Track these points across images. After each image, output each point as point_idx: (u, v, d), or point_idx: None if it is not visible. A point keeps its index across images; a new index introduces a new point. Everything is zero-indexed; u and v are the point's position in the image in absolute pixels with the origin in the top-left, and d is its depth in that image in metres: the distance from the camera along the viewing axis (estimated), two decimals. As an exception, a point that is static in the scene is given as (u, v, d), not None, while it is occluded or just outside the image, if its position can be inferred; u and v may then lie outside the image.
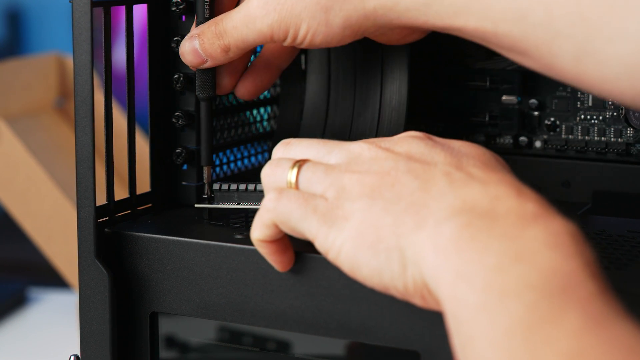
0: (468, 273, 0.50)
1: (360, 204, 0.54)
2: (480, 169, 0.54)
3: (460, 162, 0.55)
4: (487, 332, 0.48)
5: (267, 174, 0.58)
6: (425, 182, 0.54)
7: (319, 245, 0.55)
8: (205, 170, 0.68)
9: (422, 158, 0.55)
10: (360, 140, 0.58)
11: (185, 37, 0.66)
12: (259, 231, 0.57)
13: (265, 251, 0.58)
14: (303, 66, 0.76)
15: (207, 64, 0.65)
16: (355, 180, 0.55)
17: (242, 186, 0.65)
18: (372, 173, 0.55)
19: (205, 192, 0.67)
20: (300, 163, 0.57)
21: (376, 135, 0.71)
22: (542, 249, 0.49)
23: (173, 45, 0.68)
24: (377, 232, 0.53)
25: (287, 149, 0.59)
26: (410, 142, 0.56)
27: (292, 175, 0.57)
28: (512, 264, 0.49)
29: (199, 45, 0.65)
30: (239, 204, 0.65)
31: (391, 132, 0.71)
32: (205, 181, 0.68)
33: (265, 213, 0.57)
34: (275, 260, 0.59)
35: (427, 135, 0.57)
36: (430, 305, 0.53)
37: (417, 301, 0.53)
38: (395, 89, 0.71)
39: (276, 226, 0.57)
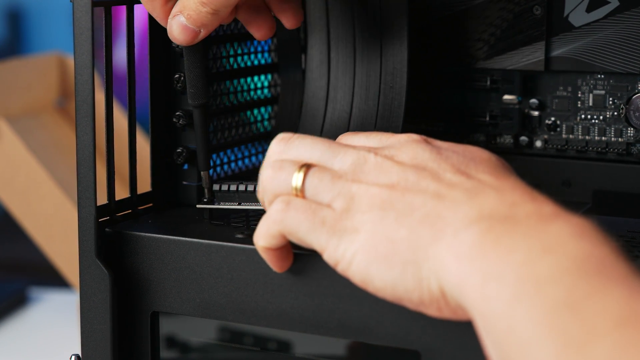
0: (497, 272, 0.49)
1: (371, 216, 0.53)
2: (490, 175, 0.54)
3: (468, 168, 0.54)
4: (529, 317, 0.47)
5: (270, 177, 0.57)
6: (437, 192, 0.53)
7: (328, 257, 0.54)
8: (204, 175, 0.67)
9: (428, 165, 0.54)
10: (363, 139, 0.58)
11: (168, 19, 0.64)
12: (264, 240, 0.57)
13: (268, 257, 0.58)
14: (303, 65, 0.76)
15: (202, 34, 0.64)
16: (364, 190, 0.54)
17: (242, 187, 0.65)
18: (381, 184, 0.54)
19: (206, 196, 0.67)
20: (305, 168, 0.56)
21: (376, 120, 0.71)
22: (570, 239, 0.49)
23: (174, 45, 0.68)
24: (391, 245, 0.52)
25: (287, 147, 0.58)
26: (414, 148, 0.55)
27: (297, 180, 0.56)
28: (542, 255, 0.49)
29: (185, 20, 0.63)
30: (240, 204, 0.65)
31: (392, 118, 0.70)
32: (204, 186, 0.67)
33: (272, 224, 0.56)
34: (276, 264, 0.59)
35: (427, 139, 0.56)
36: (445, 315, 0.52)
37: (432, 312, 0.53)
38: (395, 74, 0.71)
39: (283, 236, 0.56)
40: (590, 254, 0.48)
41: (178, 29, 0.63)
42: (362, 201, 0.54)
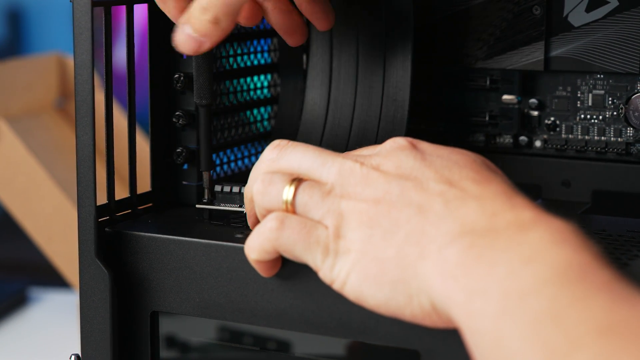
0: (481, 288, 0.50)
1: (359, 234, 0.54)
2: (473, 182, 0.54)
3: (452, 174, 0.54)
4: (514, 330, 0.48)
5: (260, 192, 0.58)
6: (420, 206, 0.53)
7: (323, 275, 0.56)
8: (205, 175, 0.68)
9: (412, 174, 0.55)
10: (351, 154, 0.58)
11: (175, 28, 0.64)
12: (257, 254, 0.58)
13: (258, 267, 0.59)
14: (304, 65, 0.76)
15: (206, 45, 0.62)
16: (352, 207, 0.55)
17: (244, 189, 0.65)
18: (367, 200, 0.55)
19: (206, 196, 0.67)
20: (297, 182, 0.57)
21: (377, 134, 0.71)
22: (550, 246, 0.49)
23: (174, 44, 0.68)
24: (380, 265, 0.53)
25: (280, 155, 0.58)
26: (398, 155, 0.56)
27: (288, 194, 0.57)
28: (523, 266, 0.49)
29: (191, 29, 0.62)
30: (240, 206, 0.65)
31: (394, 132, 0.71)
32: (205, 186, 0.67)
33: (266, 241, 0.57)
34: (265, 272, 0.59)
35: (413, 143, 0.57)
36: (439, 326, 0.53)
37: (427, 324, 0.53)
38: (398, 87, 0.71)
39: (276, 252, 0.57)
40: (571, 262, 0.49)
41: (182, 38, 0.63)
42: (351, 218, 0.55)
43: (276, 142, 0.59)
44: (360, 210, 0.54)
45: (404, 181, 0.54)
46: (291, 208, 0.56)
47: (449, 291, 0.51)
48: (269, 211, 0.58)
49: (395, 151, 0.56)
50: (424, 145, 0.57)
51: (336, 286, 0.55)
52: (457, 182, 0.54)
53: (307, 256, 0.56)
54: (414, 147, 0.56)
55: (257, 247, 0.58)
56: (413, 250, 0.52)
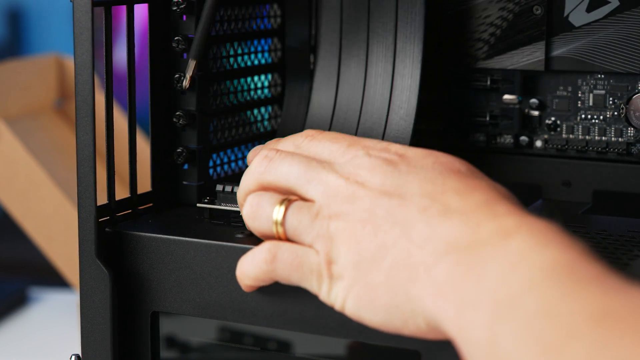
0: (471, 300, 0.50)
1: (350, 260, 0.55)
2: (456, 194, 0.54)
3: (435, 187, 0.54)
4: (508, 333, 0.48)
5: (250, 216, 0.59)
6: (405, 226, 0.53)
7: (323, 299, 0.56)
8: (191, 63, 0.67)
9: (397, 191, 0.55)
10: (328, 145, 0.58)
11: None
12: (253, 282, 0.59)
13: (247, 289, 0.60)
14: (311, 67, 0.76)
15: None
16: (341, 229, 0.55)
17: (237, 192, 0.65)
18: (354, 220, 0.55)
19: (185, 83, 0.67)
20: (286, 204, 0.57)
21: (383, 139, 0.71)
22: (535, 249, 0.50)
23: (174, 44, 0.68)
24: (372, 291, 0.54)
25: (267, 169, 0.59)
26: (385, 171, 0.56)
27: (278, 214, 0.57)
28: (510, 273, 0.49)
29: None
30: None
31: (398, 140, 0.70)
32: (187, 73, 0.67)
33: (261, 273, 0.58)
34: (249, 290, 0.60)
35: (399, 153, 0.57)
36: (439, 338, 0.54)
37: (428, 338, 0.54)
38: (405, 96, 0.71)
39: (272, 280, 0.58)
40: (558, 260, 0.49)
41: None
42: (340, 242, 0.55)
43: (264, 153, 0.59)
44: (349, 233, 0.55)
45: (388, 199, 0.55)
46: (282, 230, 0.57)
47: (440, 309, 0.51)
48: (261, 233, 0.59)
49: (381, 166, 0.56)
50: (411, 153, 0.57)
51: (337, 308, 0.56)
52: (440, 196, 0.54)
53: (304, 283, 0.57)
54: (401, 158, 0.57)
55: (252, 276, 0.59)
56: (402, 274, 0.53)
